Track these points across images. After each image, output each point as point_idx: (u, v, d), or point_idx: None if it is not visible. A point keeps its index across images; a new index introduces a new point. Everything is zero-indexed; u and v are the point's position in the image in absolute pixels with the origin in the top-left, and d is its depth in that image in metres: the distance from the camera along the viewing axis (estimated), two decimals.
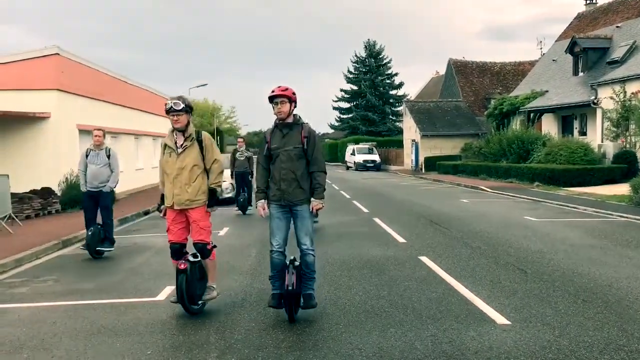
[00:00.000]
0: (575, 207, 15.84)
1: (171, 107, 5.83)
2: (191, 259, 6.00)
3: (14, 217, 13.71)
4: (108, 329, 5.69)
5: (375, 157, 48.75)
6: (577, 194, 19.50)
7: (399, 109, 65.74)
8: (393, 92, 69.54)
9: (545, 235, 11.08)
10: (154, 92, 30.74)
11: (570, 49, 30.94)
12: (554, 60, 35.06)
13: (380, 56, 68.95)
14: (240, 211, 15.88)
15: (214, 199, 6.07)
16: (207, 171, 6.07)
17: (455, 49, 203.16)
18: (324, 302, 6.43)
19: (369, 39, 70.80)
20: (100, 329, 5.67)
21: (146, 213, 16.89)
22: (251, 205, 15.11)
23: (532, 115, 31.22)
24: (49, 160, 17.82)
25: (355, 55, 69.85)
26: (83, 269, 8.88)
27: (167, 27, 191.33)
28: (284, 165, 5.63)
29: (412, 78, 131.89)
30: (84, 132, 20.27)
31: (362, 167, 47.37)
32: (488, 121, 37.20)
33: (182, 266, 5.89)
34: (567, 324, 5.50)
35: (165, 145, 6.09)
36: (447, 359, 4.64)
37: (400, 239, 10.81)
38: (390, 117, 68.53)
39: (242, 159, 15.96)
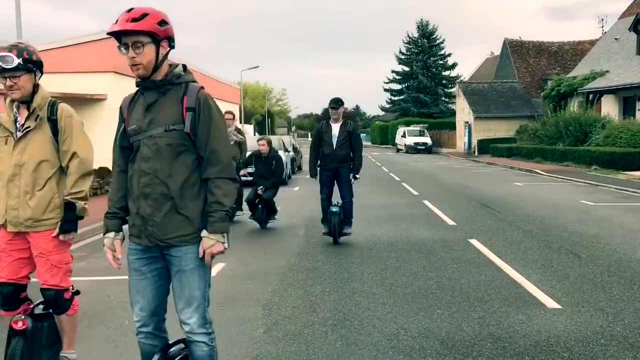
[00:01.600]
0: (636, 192, 15.23)
1: None
2: (37, 311, 3.86)
3: None
4: None
5: (427, 140, 48.15)
6: (638, 178, 18.73)
7: (451, 90, 64.60)
8: (446, 73, 68.29)
9: (602, 219, 10.72)
10: (206, 75, 31.21)
11: (634, 27, 29.53)
12: (616, 39, 33.57)
13: (433, 36, 67.72)
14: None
15: (73, 218, 3.66)
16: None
17: (511, 28, 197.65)
18: (370, 282, 6.45)
19: (421, 19, 69.75)
20: None
21: None
22: (275, 218, 10.51)
23: (591, 96, 30.10)
24: (106, 141, 18.33)
25: (408, 36, 68.88)
26: None
27: (221, 9, 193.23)
28: (146, 166, 2.94)
29: (466, 59, 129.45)
30: None
31: (413, 149, 46.88)
32: (544, 103, 36.10)
33: (20, 325, 3.66)
34: (621, 309, 5.33)
35: None
36: (495, 341, 4.58)
37: (450, 222, 10.68)
38: (443, 98, 67.43)
39: (231, 144, 11.52)
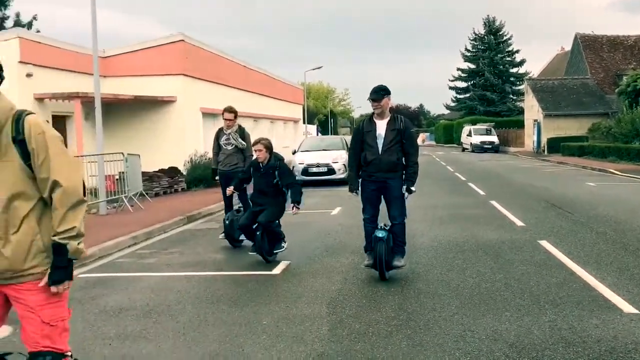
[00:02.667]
0: None
1: None
2: None
3: (145, 194, 14.80)
4: (227, 299, 6.00)
5: (494, 138, 46.98)
6: None
7: (519, 87, 62.74)
8: (513, 70, 66.43)
9: None
10: (271, 76, 31.63)
11: None
12: None
13: (500, 33, 66.02)
14: (230, 243, 8.77)
15: (64, 264, 2.76)
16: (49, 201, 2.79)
17: (582, 23, 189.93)
18: (435, 283, 6.35)
19: (488, 15, 68.06)
20: (220, 299, 6.00)
21: None
22: (282, 246, 7.78)
23: None
24: (175, 142, 18.98)
25: (474, 33, 67.43)
26: (205, 244, 9.41)
27: (282, 13, 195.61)
28: None
29: (535, 55, 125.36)
30: (206, 114, 21.36)
31: (479, 148, 45.83)
32: (619, 99, 34.49)
33: None
34: None
35: None
36: (567, 346, 4.41)
37: (519, 222, 10.37)
38: (511, 96, 65.64)
39: (229, 148, 9.00)
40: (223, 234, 8.93)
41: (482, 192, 15.72)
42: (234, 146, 8.88)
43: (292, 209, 7.57)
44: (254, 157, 7.71)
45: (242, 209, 8.66)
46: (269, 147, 7.59)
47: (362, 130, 6.55)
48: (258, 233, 7.42)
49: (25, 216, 2.74)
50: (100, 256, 8.38)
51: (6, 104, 2.79)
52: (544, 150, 39.18)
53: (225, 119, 9.06)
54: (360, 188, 6.61)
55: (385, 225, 6.54)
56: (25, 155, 2.73)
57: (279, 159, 7.74)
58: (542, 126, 40.62)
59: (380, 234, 6.34)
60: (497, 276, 6.58)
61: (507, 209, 12.13)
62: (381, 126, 6.44)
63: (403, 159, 6.50)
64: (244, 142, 8.92)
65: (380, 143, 6.39)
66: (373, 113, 6.53)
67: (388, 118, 6.47)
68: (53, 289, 2.75)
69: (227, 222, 8.73)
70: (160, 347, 4.64)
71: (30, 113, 2.81)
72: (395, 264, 6.49)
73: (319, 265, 7.42)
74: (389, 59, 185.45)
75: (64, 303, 2.88)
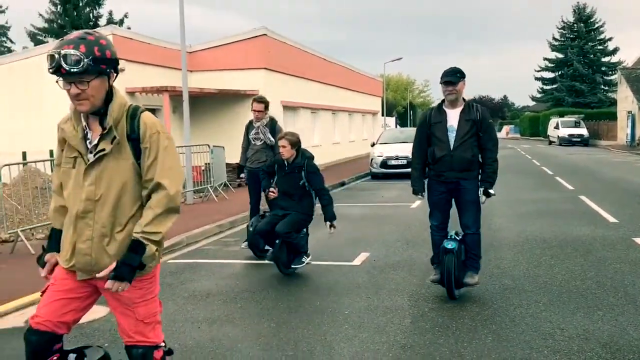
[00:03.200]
0: None
1: (57, 63, 2.57)
2: None
3: (228, 184, 15.24)
4: (309, 287, 6.09)
5: (583, 131, 44.75)
6: None
7: (612, 77, 59.43)
8: (605, 59, 62.92)
9: None
10: (350, 68, 31.63)
11: None
12: None
13: (592, 20, 62.67)
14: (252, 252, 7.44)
15: (135, 264, 2.66)
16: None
17: None
18: (522, 279, 6.16)
19: (578, 2, 64.73)
20: (302, 287, 6.10)
21: (342, 184, 17.59)
22: (302, 261, 6.66)
23: None
24: None
25: (562, 21, 64.43)
26: None
27: (366, 3, 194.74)
28: None
29: (630, 43, 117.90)
30: (287, 108, 21.67)
31: (567, 141, 43.79)
32: None
33: None
34: None
35: (63, 142, 2.84)
36: None
37: (611, 219, 9.85)
38: (602, 86, 62.26)
39: (257, 143, 7.99)
40: (245, 243, 7.64)
41: (570, 187, 15.04)
42: (262, 142, 7.84)
43: (330, 228, 6.50)
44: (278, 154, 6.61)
45: (268, 213, 6.96)
46: (295, 143, 6.46)
47: (430, 122, 5.48)
48: (277, 241, 6.37)
49: (131, 216, 2.72)
50: (188, 243, 8.72)
51: (122, 100, 2.78)
52: (638, 144, 36.93)
53: (254, 110, 7.92)
54: (426, 190, 5.63)
55: (456, 234, 5.56)
56: (137, 153, 2.71)
57: (308, 156, 6.62)
58: (637, 118, 38.26)
59: (449, 244, 5.35)
60: (588, 274, 6.29)
61: (598, 204, 11.55)
62: (453, 116, 5.37)
63: (479, 155, 5.42)
64: (272, 138, 7.75)
65: (452, 137, 5.33)
66: (443, 101, 5.51)
67: (462, 107, 5.40)
68: (109, 284, 2.62)
69: (251, 228, 7.15)
70: (246, 331, 4.78)
71: (145, 110, 2.79)
72: (467, 281, 5.45)
73: (399, 257, 7.37)
74: (471, 48, 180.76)
75: (156, 298, 2.88)
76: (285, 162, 6.54)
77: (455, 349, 4.28)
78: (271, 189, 6.55)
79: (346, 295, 5.76)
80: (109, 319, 5.22)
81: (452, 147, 5.34)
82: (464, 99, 5.48)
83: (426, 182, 5.65)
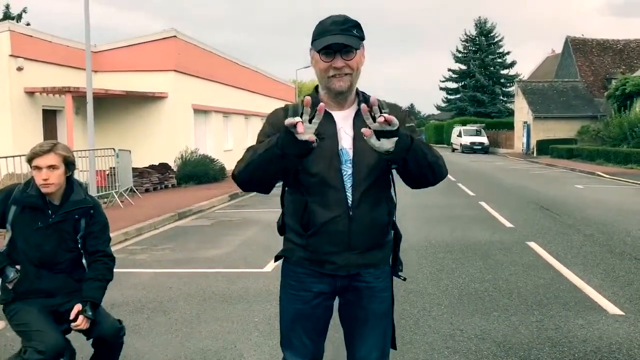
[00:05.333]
0: None
1: None
2: None
3: (135, 190, 14.78)
4: (219, 295, 6.04)
5: (483, 140, 47.24)
6: None
7: (510, 89, 63.08)
8: (504, 71, 66.75)
9: None
10: (262, 73, 31.62)
11: None
12: None
13: (492, 34, 66.28)
14: None
15: None
16: None
17: (573, 26, 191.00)
18: (425, 282, 6.43)
19: (479, 17, 68.36)
20: (212, 296, 6.04)
21: None
22: None
23: None
24: (166, 138, 18.96)
25: (465, 34, 67.60)
26: (196, 240, 9.43)
27: (275, 10, 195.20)
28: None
29: (526, 57, 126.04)
30: (198, 111, 21.34)
31: (469, 149, 46.07)
32: (608, 103, 34.85)
33: None
34: None
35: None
36: (553, 345, 4.50)
37: (508, 224, 10.48)
38: (501, 97, 65.95)
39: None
40: None
41: (472, 193, 15.85)
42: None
43: (78, 319, 3.23)
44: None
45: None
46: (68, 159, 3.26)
47: (287, 136, 2.07)
48: None
49: None
50: None
51: None
52: (533, 152, 39.50)
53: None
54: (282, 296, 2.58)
55: None
56: None
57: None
58: (532, 128, 40.93)
59: None
60: (486, 276, 6.68)
61: (496, 210, 12.25)
62: (345, 125, 2.39)
63: (394, 196, 2.54)
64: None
65: (348, 173, 2.35)
66: (316, 90, 2.48)
67: (354, 104, 2.43)
68: None
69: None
70: (153, 343, 4.68)
71: None
72: None
73: None
74: (380, 56, 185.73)
75: None
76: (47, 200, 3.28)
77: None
78: None
79: (256, 302, 5.77)
80: (4, 334, 4.94)
81: (350, 199, 2.36)
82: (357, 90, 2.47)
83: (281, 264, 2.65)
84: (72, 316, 3.25)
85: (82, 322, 3.25)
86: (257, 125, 30.10)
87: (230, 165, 21.64)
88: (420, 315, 5.27)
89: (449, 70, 69.25)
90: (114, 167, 13.74)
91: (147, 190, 16.21)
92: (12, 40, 14.88)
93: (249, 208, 13.56)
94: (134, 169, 15.36)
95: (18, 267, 3.31)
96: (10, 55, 14.83)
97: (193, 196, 14.79)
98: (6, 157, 10.48)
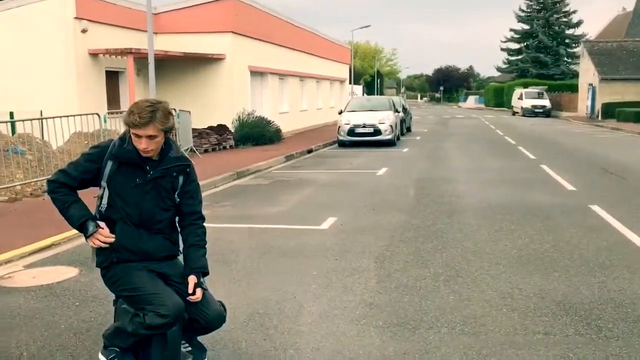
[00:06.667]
0: None
1: None
2: None
3: (195, 150, 15.14)
4: (278, 250, 6.20)
5: (545, 102, 45.56)
6: None
7: (575, 50, 60.39)
8: (569, 31, 63.85)
9: None
10: (318, 34, 31.38)
11: None
12: None
13: None
14: None
15: None
16: None
17: None
18: (483, 243, 6.39)
19: None
20: (271, 250, 6.20)
21: (309, 151, 17.65)
22: None
23: None
24: (224, 99, 19.22)
25: None
26: (255, 198, 9.63)
27: None
28: None
29: (593, 16, 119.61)
30: (254, 73, 21.47)
31: (530, 112, 44.59)
32: None
33: None
34: None
35: None
36: (616, 306, 4.42)
37: (570, 187, 10.20)
38: (565, 59, 63.26)
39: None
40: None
41: (532, 156, 15.44)
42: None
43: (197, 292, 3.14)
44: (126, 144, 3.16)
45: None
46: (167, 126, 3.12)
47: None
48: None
49: None
50: None
51: None
52: (598, 116, 37.89)
53: None
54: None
55: None
56: None
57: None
58: (597, 90, 39.15)
59: None
60: (546, 238, 6.56)
61: (558, 173, 11.92)
62: None
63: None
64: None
65: None
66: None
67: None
68: None
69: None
70: (216, 293, 4.83)
71: None
72: None
73: (365, 222, 7.53)
74: (439, 18, 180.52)
75: None
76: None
77: (419, 307, 4.46)
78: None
79: (314, 257, 5.89)
80: (79, 279, 5.25)
81: None
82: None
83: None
84: (190, 289, 3.09)
85: (200, 295, 3.11)
86: (312, 87, 30.06)
87: (285, 127, 21.89)
88: (478, 274, 5.26)
89: (511, 30, 66.87)
90: (175, 128, 14.08)
91: (206, 151, 16.56)
92: (76, 2, 15.28)
93: (305, 169, 13.69)
94: (193, 130, 15.70)
95: (100, 222, 3.13)
96: (75, 18, 15.26)
97: (250, 157, 15.03)
98: (74, 116, 10.91)
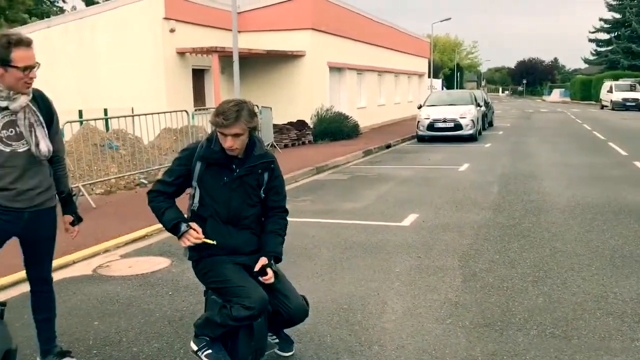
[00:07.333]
0: None
1: None
2: None
3: (275, 145, 15.43)
4: (360, 245, 6.23)
5: (638, 95, 42.93)
6: None
7: None
8: None
9: None
10: (396, 28, 31.08)
11: None
12: None
13: None
14: None
15: None
16: None
17: None
18: (573, 243, 6.15)
19: None
20: (353, 245, 6.24)
21: (388, 147, 17.56)
22: None
23: None
24: (303, 95, 19.44)
25: None
26: (334, 193, 9.70)
27: None
28: None
29: None
30: (333, 69, 21.58)
31: (621, 106, 42.15)
32: None
33: None
34: None
35: None
36: None
37: None
38: None
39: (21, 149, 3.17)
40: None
41: (623, 152, 14.63)
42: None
43: (268, 272, 3.28)
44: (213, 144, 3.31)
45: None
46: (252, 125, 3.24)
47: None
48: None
49: None
50: None
51: None
52: None
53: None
54: None
55: None
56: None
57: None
58: None
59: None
60: None
61: None
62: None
63: None
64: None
65: None
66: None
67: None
68: None
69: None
70: (301, 285, 4.92)
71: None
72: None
73: (448, 219, 7.42)
74: (522, 8, 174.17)
75: None
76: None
77: (507, 307, 4.36)
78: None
79: (396, 254, 5.87)
80: (171, 270, 5.50)
81: None
82: None
83: None
84: (257, 268, 3.22)
85: (271, 276, 3.23)
86: (391, 82, 29.84)
87: (363, 122, 21.87)
88: (568, 275, 5.07)
89: (601, 19, 63.61)
90: None
91: (285, 146, 16.84)
92: (165, 3, 15.92)
93: (384, 164, 13.63)
94: (274, 126, 15.99)
95: (191, 224, 3.24)
96: (164, 18, 15.90)
97: (329, 152, 15.14)
98: (164, 113, 11.39)
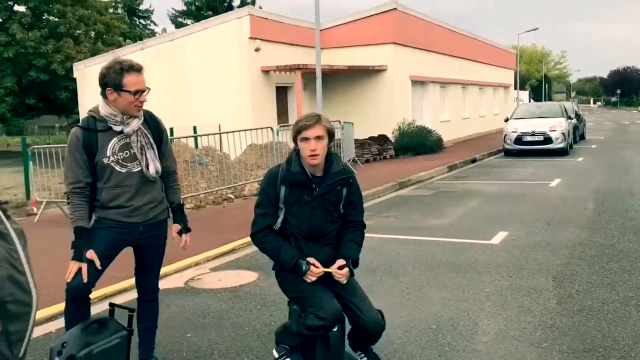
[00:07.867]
0: None
1: None
2: None
3: (357, 160, 15.45)
4: (447, 264, 6.09)
5: None
6: None
7: None
8: None
9: None
10: (480, 40, 30.45)
11: None
12: None
13: None
14: None
15: None
16: None
17: None
18: None
19: None
20: (440, 264, 6.10)
21: (473, 161, 17.15)
22: None
23: None
24: (384, 110, 19.40)
25: None
26: (419, 209, 9.56)
27: None
28: None
29: None
30: (416, 82, 21.41)
31: None
32: None
33: None
34: None
35: None
36: None
37: None
38: None
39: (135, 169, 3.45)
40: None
41: None
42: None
43: (343, 270, 3.39)
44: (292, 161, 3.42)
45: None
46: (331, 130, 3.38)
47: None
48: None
49: None
50: None
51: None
52: None
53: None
54: None
55: None
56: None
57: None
58: None
59: None
60: None
61: None
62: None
63: None
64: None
65: None
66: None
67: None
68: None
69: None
70: (387, 303, 4.90)
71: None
72: None
73: (540, 237, 7.12)
74: (614, 14, 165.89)
75: None
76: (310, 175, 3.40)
77: (608, 332, 4.11)
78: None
79: (486, 273, 5.69)
80: (258, 284, 5.60)
81: None
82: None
83: None
84: (334, 268, 3.30)
85: (345, 274, 3.32)
86: (475, 94, 29.19)
87: (447, 136, 21.51)
88: None
89: None
90: (338, 139, 14.50)
91: (367, 161, 16.82)
92: (251, 23, 16.43)
93: (470, 179, 13.31)
94: (355, 140, 16.03)
95: (310, 259, 3.32)
96: (250, 38, 16.40)
97: (411, 166, 14.98)
98: (251, 130, 11.70)
